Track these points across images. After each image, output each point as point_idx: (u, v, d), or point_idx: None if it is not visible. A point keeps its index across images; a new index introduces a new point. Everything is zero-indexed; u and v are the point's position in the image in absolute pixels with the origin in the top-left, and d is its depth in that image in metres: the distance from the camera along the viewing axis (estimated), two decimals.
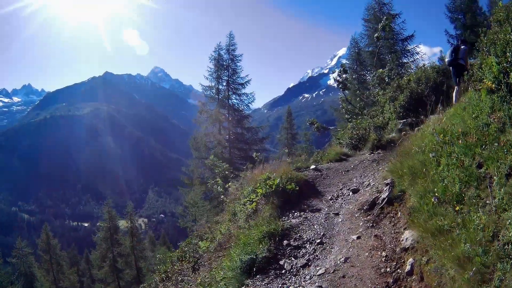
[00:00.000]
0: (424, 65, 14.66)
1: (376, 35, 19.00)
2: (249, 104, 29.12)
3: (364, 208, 7.09)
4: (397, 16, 26.21)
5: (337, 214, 7.53)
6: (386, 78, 18.21)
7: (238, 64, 27.84)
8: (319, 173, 9.96)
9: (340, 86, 18.05)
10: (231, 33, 27.52)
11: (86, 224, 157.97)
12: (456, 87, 10.06)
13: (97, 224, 44.64)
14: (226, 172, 18.51)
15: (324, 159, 11.07)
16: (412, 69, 26.66)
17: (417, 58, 27.19)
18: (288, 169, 9.74)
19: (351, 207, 7.59)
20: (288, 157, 41.13)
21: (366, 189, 8.22)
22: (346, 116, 17.16)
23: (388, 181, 6.81)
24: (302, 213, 7.91)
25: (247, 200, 9.02)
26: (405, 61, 27.29)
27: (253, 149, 30.13)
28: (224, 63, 27.32)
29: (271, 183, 8.50)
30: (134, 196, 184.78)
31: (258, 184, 8.79)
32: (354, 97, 27.58)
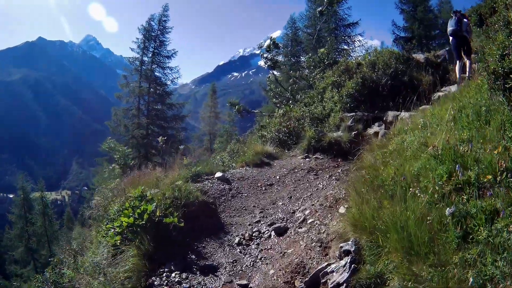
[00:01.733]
0: (376, 48, 11.61)
1: (320, 9, 15.55)
2: (174, 80, 27.81)
3: (297, 284, 3.59)
4: (343, 1, 23.94)
5: (245, 287, 3.93)
6: (325, 60, 15.15)
7: (167, 36, 26.36)
8: (227, 187, 6.33)
9: (268, 64, 14.26)
10: (166, 5, 26.17)
11: (11, 196, 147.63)
12: (458, 62, 8.96)
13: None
14: (129, 159, 14.21)
15: (238, 161, 7.42)
16: (351, 56, 24.69)
17: (358, 46, 25.37)
18: (181, 176, 5.97)
19: (272, 271, 4.05)
20: (208, 141, 37.70)
21: (300, 229, 4.79)
22: (274, 100, 13.63)
23: (348, 245, 3.34)
24: (184, 275, 4.20)
25: (111, 227, 5.05)
26: (345, 47, 25.38)
27: (173, 128, 28.34)
28: (153, 33, 25.80)
29: (143, 208, 4.65)
30: (59, 167, 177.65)
31: (127, 205, 4.88)
32: (287, 79, 24.71)
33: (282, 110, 11.47)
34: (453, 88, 8.98)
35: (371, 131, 8.52)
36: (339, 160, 7.40)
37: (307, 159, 7.50)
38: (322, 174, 6.77)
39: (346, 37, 25.90)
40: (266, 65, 14.26)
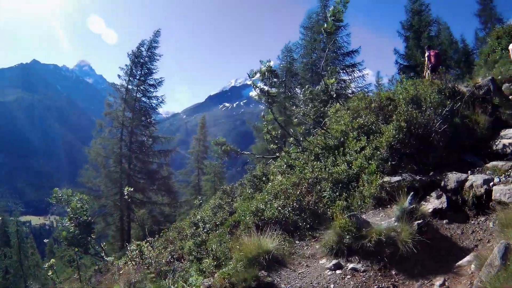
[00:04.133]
0: (402, 78, 8.60)
1: (324, 27, 12.57)
2: (158, 106, 26.16)
3: None
4: (342, 28, 22.60)
5: None
6: (333, 93, 12.24)
7: (155, 63, 25.11)
8: None
9: (265, 96, 10.51)
10: (158, 31, 24.96)
11: None
12: None
13: None
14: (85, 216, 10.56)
15: (216, 278, 4.10)
16: (353, 88, 22.02)
17: (358, 77, 23.42)
18: None
19: None
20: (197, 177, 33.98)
21: None
22: (272, 146, 10.32)
23: None
24: None
25: None
26: (344, 78, 23.36)
27: (155, 163, 26.58)
28: (142, 60, 24.56)
29: None
30: (50, 191, 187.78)
31: None
32: (279, 114, 21.72)
33: (284, 163, 8.28)
34: None
35: (427, 207, 5.39)
36: (395, 274, 4.15)
37: (338, 271, 4.23)
38: None
39: (345, 66, 23.46)
40: (262, 99, 10.69)
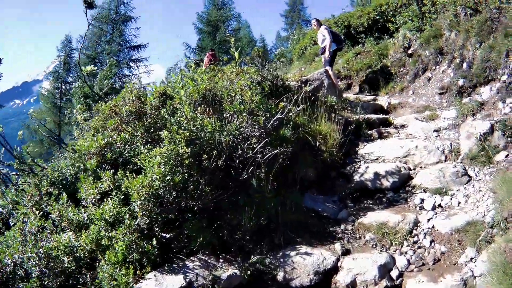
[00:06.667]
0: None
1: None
2: None
3: None
4: (132, 19, 23.03)
5: None
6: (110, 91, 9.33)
7: None
8: None
9: None
10: None
11: None
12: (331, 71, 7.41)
13: None
14: None
15: None
16: (140, 84, 19.02)
17: (143, 72, 22.88)
18: None
19: None
20: None
21: None
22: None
23: None
24: None
25: None
26: (127, 73, 22.34)
27: None
28: None
29: None
30: None
31: None
32: (51, 115, 16.84)
33: None
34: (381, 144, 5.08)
35: None
36: None
37: None
38: None
39: (129, 61, 22.56)
40: None
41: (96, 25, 22.91)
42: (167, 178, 2.93)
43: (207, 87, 3.97)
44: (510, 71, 4.50)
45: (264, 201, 3.48)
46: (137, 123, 3.76)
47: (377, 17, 9.94)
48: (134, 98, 3.94)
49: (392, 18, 9.34)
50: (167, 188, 2.96)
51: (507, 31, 4.66)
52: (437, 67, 7.27)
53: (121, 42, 22.17)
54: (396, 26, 9.15)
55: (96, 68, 10.31)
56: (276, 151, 3.47)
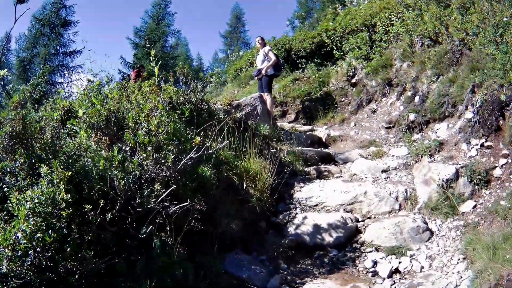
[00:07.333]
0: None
1: None
2: None
3: None
4: (72, 24, 21.97)
5: None
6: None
7: None
8: None
9: None
10: None
11: None
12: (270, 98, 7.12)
13: None
14: None
15: None
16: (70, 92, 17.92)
17: (76, 80, 20.93)
18: None
19: None
20: None
21: None
22: None
23: None
24: None
25: None
26: (60, 80, 21.25)
27: None
28: None
29: None
30: None
31: None
32: None
33: None
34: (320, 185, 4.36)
35: None
36: None
37: None
38: None
39: (63, 67, 21.44)
40: None
41: (36, 27, 21.94)
42: (36, 236, 1.98)
43: (111, 108, 2.97)
44: (476, 109, 3.95)
45: (172, 266, 2.53)
46: (19, 149, 2.66)
47: (322, 42, 9.44)
48: (16, 116, 2.82)
49: (338, 44, 8.87)
50: (37, 249, 1.98)
51: (473, 65, 4.15)
52: (384, 99, 6.81)
53: (57, 47, 21.32)
54: (342, 53, 8.66)
55: (9, 74, 9.13)
56: (186, 204, 2.50)
